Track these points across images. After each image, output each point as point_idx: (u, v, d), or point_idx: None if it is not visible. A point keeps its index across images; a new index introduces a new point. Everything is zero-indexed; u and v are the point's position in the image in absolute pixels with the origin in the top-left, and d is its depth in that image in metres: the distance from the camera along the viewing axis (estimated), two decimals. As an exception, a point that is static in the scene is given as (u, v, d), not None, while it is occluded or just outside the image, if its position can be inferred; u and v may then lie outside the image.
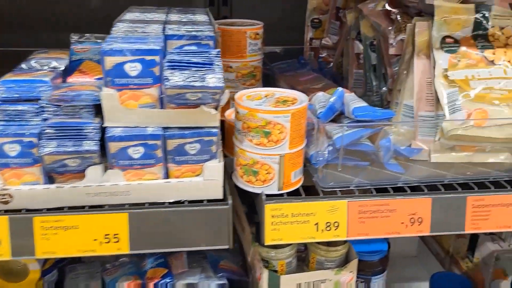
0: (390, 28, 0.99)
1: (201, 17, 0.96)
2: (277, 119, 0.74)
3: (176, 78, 0.65)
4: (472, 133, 0.82)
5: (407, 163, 0.88)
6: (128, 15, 0.95)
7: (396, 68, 0.97)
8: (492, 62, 0.86)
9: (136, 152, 0.71)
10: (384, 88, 1.03)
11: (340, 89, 0.87)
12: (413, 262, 1.38)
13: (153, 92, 0.71)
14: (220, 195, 0.76)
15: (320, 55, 1.34)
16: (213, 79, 0.66)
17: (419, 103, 0.90)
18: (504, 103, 0.84)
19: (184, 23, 0.88)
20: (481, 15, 0.87)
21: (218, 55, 0.73)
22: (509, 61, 0.87)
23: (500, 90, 0.85)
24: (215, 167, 0.75)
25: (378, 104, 1.04)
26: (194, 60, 0.69)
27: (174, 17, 0.95)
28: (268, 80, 1.18)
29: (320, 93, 0.92)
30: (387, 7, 1.04)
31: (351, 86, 1.17)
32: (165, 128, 0.72)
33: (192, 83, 0.65)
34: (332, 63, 1.30)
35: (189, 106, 0.70)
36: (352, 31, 1.16)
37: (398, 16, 0.99)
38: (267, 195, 0.78)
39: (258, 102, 0.78)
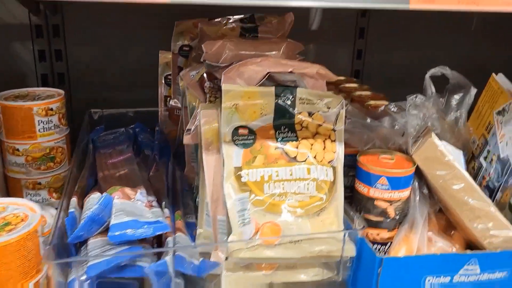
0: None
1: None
2: (-26, 259, 0.55)
3: None
4: (260, 254, 0.65)
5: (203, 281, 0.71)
6: None
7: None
8: (294, 159, 0.70)
9: None
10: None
11: (106, 195, 0.69)
12: None
13: None
14: None
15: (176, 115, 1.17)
16: None
17: (216, 205, 0.72)
18: (303, 211, 0.67)
19: None
20: (284, 99, 0.71)
21: None
22: (315, 156, 0.70)
23: (300, 195, 0.68)
24: None
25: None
26: None
27: None
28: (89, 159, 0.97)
29: (96, 195, 0.74)
30: (205, 77, 0.87)
31: (190, 161, 0.99)
32: None
33: None
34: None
35: None
36: (185, 99, 0.99)
37: (208, 91, 0.82)
38: None
39: (-32, 227, 0.59)
